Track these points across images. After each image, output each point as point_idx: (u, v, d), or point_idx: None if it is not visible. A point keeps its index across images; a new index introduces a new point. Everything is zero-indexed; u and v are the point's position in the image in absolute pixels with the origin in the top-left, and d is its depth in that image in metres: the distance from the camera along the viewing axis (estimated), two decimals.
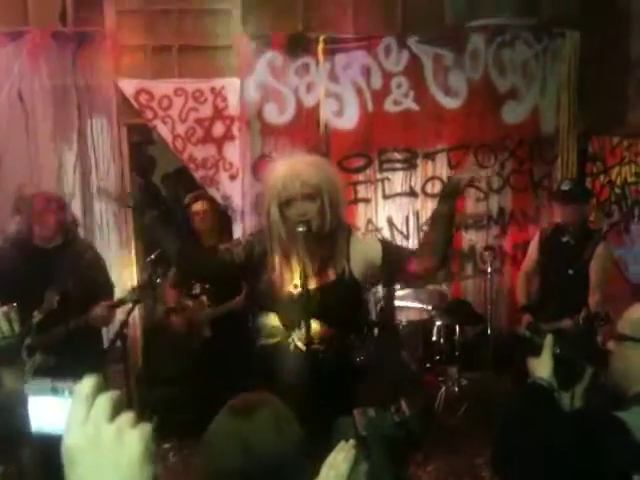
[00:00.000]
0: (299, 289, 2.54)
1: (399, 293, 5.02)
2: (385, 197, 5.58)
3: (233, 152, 5.26)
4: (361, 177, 5.49)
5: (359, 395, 2.75)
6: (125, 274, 5.18)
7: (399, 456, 1.73)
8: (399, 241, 5.59)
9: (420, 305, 4.98)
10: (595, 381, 1.98)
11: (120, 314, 3.85)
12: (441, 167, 5.59)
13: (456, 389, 4.90)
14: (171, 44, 5.14)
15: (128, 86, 5.07)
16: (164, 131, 5.16)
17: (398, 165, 5.57)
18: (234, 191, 5.29)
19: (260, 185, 5.19)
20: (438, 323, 4.85)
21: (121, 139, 5.17)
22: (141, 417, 0.85)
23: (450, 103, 5.49)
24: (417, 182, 5.60)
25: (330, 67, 5.30)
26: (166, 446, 4.56)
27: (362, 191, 5.51)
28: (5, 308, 1.86)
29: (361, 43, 5.33)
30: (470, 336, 5.09)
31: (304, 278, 2.46)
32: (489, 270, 5.05)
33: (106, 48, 5.00)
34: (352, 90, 5.36)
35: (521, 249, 5.31)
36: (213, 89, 5.17)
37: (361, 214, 5.51)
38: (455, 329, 4.90)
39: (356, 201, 5.47)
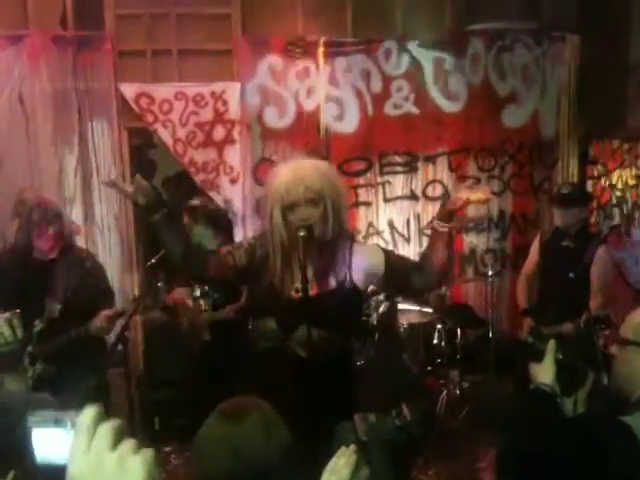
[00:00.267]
0: (300, 294, 2.53)
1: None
2: (386, 200, 5.59)
3: (234, 156, 5.26)
4: (362, 180, 5.50)
5: (360, 400, 2.75)
6: (126, 278, 5.18)
7: (400, 461, 1.73)
8: (400, 244, 5.60)
9: (421, 308, 4.97)
10: (597, 386, 1.97)
11: (121, 319, 3.85)
12: (442, 170, 5.60)
13: (457, 392, 4.89)
14: (171, 48, 5.15)
15: (129, 90, 5.07)
16: (165, 135, 5.17)
17: (399, 168, 5.57)
18: (235, 195, 5.29)
19: (261, 189, 5.20)
20: (439, 326, 4.85)
21: (122, 143, 5.18)
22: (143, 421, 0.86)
23: (450, 107, 5.50)
24: (418, 185, 5.60)
25: (330, 71, 5.31)
26: (167, 449, 4.57)
27: (363, 194, 5.51)
28: (8, 314, 1.87)
29: (361, 47, 5.34)
30: (471, 339, 5.09)
31: (305, 283, 2.46)
32: (490, 273, 5.05)
33: (106, 52, 5.00)
34: (352, 94, 5.37)
35: (522, 252, 5.30)
36: (213, 93, 5.18)
37: (362, 217, 5.52)
38: (456, 332, 4.90)
39: (357, 204, 5.47)
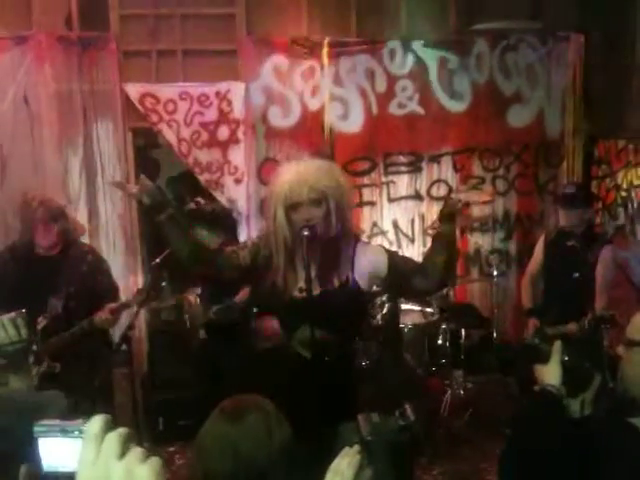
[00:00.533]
0: (303, 293, 2.53)
1: None
2: (390, 200, 5.58)
3: (238, 156, 5.26)
4: (366, 180, 5.49)
5: (363, 400, 2.75)
6: (131, 277, 5.19)
7: (403, 461, 1.72)
8: (404, 244, 5.60)
9: (425, 308, 4.96)
10: (604, 387, 1.97)
11: (125, 318, 3.86)
12: (446, 170, 5.60)
13: (462, 393, 4.88)
14: (176, 48, 5.16)
15: (133, 90, 5.08)
16: (169, 135, 5.17)
17: (403, 168, 5.57)
18: (239, 195, 5.30)
19: (265, 189, 5.20)
20: (444, 326, 4.84)
21: (126, 143, 5.19)
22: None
23: (455, 106, 5.50)
24: (422, 185, 5.60)
25: (335, 71, 5.31)
26: (171, 449, 4.57)
27: (367, 194, 5.51)
28: (13, 314, 1.87)
29: (365, 47, 5.33)
30: (476, 340, 5.08)
31: (309, 283, 2.46)
32: (494, 273, 5.04)
33: (111, 52, 5.01)
34: (357, 93, 5.37)
35: (526, 252, 5.29)
36: (218, 93, 5.18)
37: (366, 217, 5.51)
38: (461, 333, 4.90)
39: (361, 204, 5.47)
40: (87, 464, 0.86)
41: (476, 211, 5.45)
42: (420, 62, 5.42)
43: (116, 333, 4.10)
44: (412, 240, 5.63)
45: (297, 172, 2.60)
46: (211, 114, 5.19)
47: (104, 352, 3.84)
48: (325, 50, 5.26)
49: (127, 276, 5.17)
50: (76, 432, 0.91)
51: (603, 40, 5.43)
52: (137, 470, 0.85)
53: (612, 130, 5.56)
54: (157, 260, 3.77)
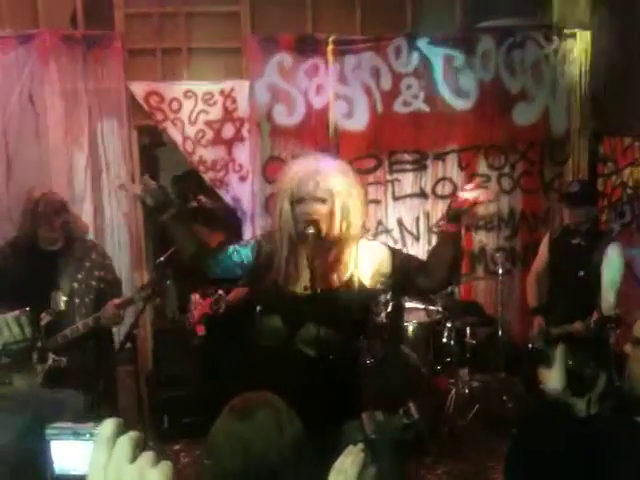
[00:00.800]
0: (307, 291, 2.53)
1: None
2: (395, 198, 5.57)
3: (243, 154, 5.27)
4: (371, 178, 5.48)
5: (367, 398, 2.74)
6: (136, 275, 5.20)
7: (407, 458, 1.72)
8: (409, 242, 5.59)
9: (430, 306, 4.96)
10: (610, 386, 1.96)
11: (130, 315, 3.86)
12: (451, 168, 5.58)
13: (467, 391, 4.87)
14: (181, 46, 5.16)
15: (138, 88, 5.09)
16: (174, 133, 5.18)
17: (408, 166, 5.56)
18: (244, 193, 5.30)
19: (270, 186, 5.22)
20: (449, 325, 4.83)
21: (132, 141, 5.20)
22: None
23: (460, 104, 5.48)
24: (427, 183, 5.59)
25: (339, 68, 5.30)
26: (177, 447, 4.58)
27: (372, 192, 5.50)
28: (17, 312, 1.87)
29: (370, 44, 5.32)
30: (481, 338, 5.07)
31: (313, 280, 2.46)
32: (500, 272, 5.02)
33: (116, 50, 5.02)
34: (362, 91, 5.36)
35: (532, 251, 5.28)
36: (223, 91, 5.18)
37: (371, 215, 5.50)
38: (466, 331, 4.89)
39: (366, 202, 5.45)
40: (98, 467, 0.86)
41: (481, 209, 5.43)
42: (425, 60, 5.40)
43: (121, 331, 4.11)
44: (417, 238, 5.61)
45: (307, 167, 2.61)
46: (216, 112, 5.19)
47: (107, 349, 3.84)
48: (330, 48, 5.26)
49: (132, 274, 5.18)
50: (88, 435, 0.91)
51: (609, 37, 5.41)
52: (148, 474, 0.86)
53: (618, 127, 5.53)
54: (162, 258, 3.77)
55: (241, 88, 5.20)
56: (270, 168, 5.26)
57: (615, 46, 5.40)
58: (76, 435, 0.92)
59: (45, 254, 3.62)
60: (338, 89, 5.33)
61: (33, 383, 1.83)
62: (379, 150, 5.47)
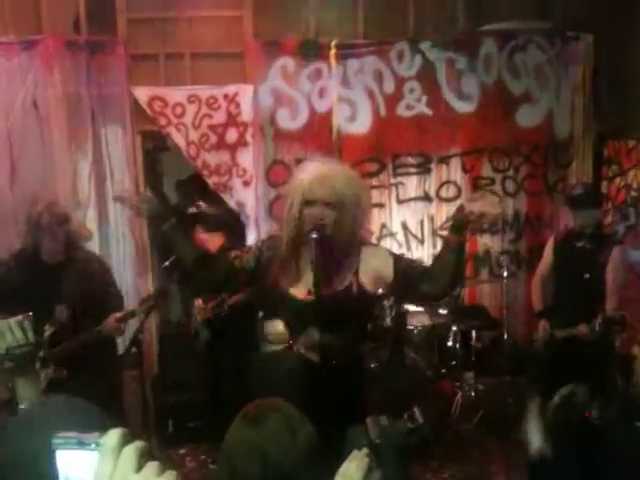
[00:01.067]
0: (311, 296, 2.53)
1: None
2: (399, 202, 5.57)
3: (246, 158, 5.27)
4: (375, 182, 5.48)
5: (372, 403, 2.73)
6: (140, 281, 5.20)
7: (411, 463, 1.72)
8: (414, 246, 5.59)
9: (436, 310, 4.95)
10: (616, 389, 1.95)
11: (135, 320, 3.86)
12: (455, 171, 5.58)
13: (472, 395, 4.86)
14: (184, 51, 5.17)
15: (142, 93, 5.09)
16: (178, 138, 5.19)
17: (412, 170, 5.56)
18: (248, 197, 5.30)
19: (274, 191, 5.22)
20: (454, 328, 4.83)
21: (135, 146, 5.20)
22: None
23: (463, 107, 5.48)
24: (431, 186, 5.58)
25: (342, 72, 5.31)
26: (182, 452, 4.57)
27: (376, 196, 5.49)
28: (20, 317, 1.87)
29: (373, 48, 5.33)
30: (486, 341, 5.06)
31: (318, 285, 2.46)
32: (505, 274, 5.01)
33: (119, 56, 5.03)
34: (364, 95, 5.36)
35: (536, 253, 5.27)
36: (226, 96, 5.19)
37: (375, 219, 5.50)
38: (471, 334, 4.88)
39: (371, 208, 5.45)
40: (104, 477, 0.86)
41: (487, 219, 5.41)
42: (428, 63, 5.41)
43: (126, 336, 4.11)
44: (421, 241, 5.61)
45: (320, 171, 2.61)
46: (219, 117, 5.20)
47: (110, 357, 3.83)
48: (333, 52, 5.27)
49: (137, 279, 5.18)
50: (93, 445, 0.91)
51: (612, 40, 5.40)
52: None
53: (622, 130, 5.53)
54: (167, 263, 3.78)
55: (244, 92, 5.21)
56: (273, 172, 5.27)
57: (618, 48, 5.39)
58: (81, 445, 0.91)
59: (48, 266, 3.61)
60: (341, 93, 5.33)
61: (37, 388, 1.83)
62: (382, 154, 5.47)
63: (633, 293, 4.13)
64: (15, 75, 4.89)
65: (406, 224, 5.60)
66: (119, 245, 5.20)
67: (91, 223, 5.00)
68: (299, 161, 4.97)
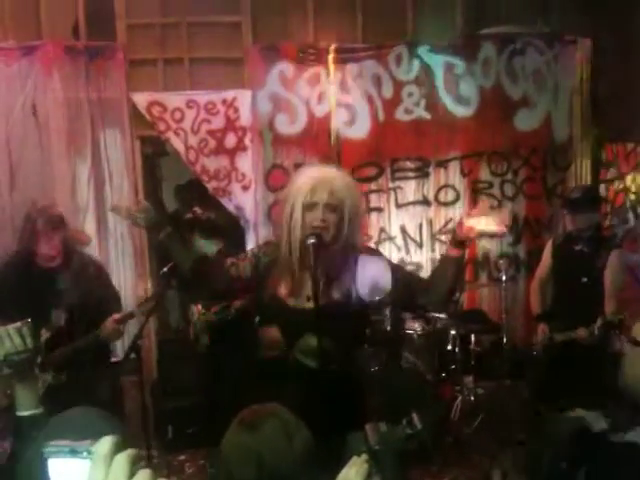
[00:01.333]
0: (309, 302, 2.53)
1: None
2: (398, 206, 5.58)
3: (245, 163, 5.28)
4: (373, 186, 5.49)
5: (370, 408, 2.73)
6: (139, 286, 5.20)
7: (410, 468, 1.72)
8: (412, 250, 5.59)
9: (435, 314, 4.94)
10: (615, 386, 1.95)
11: (134, 326, 3.86)
12: (454, 175, 5.58)
13: (472, 399, 4.86)
14: (182, 56, 5.18)
15: (141, 98, 5.10)
16: (177, 143, 5.20)
17: (410, 174, 5.56)
18: (247, 202, 5.30)
19: (273, 195, 5.23)
20: (453, 332, 4.82)
21: (134, 151, 5.21)
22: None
23: (462, 111, 5.49)
24: (430, 190, 5.59)
25: (341, 77, 5.32)
26: (181, 458, 4.57)
27: (374, 200, 5.50)
28: (18, 323, 1.87)
29: (372, 52, 5.34)
30: (486, 345, 5.05)
31: (316, 291, 2.45)
32: (504, 278, 5.01)
33: (118, 61, 5.04)
34: (363, 99, 5.37)
35: (535, 257, 5.27)
36: (225, 101, 5.20)
37: (374, 223, 5.51)
38: (470, 338, 4.87)
39: (369, 210, 5.46)
40: None
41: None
42: (426, 67, 5.42)
43: (125, 342, 4.11)
44: (420, 245, 5.61)
45: (320, 175, 2.62)
46: (218, 122, 5.21)
47: (106, 362, 3.83)
48: (331, 56, 5.28)
49: (136, 284, 5.18)
50: (85, 453, 0.91)
51: (610, 43, 5.41)
52: None
53: (620, 133, 5.53)
54: (165, 269, 3.77)
55: (243, 97, 5.22)
56: (272, 177, 5.28)
57: (616, 52, 5.40)
58: (74, 453, 0.91)
59: (44, 270, 3.59)
60: (340, 97, 5.34)
61: (36, 394, 1.83)
62: (381, 158, 5.48)
63: (631, 294, 4.14)
64: (15, 80, 4.90)
65: (405, 228, 5.60)
66: (118, 249, 5.20)
67: (90, 228, 5.00)
68: (298, 165, 4.99)
